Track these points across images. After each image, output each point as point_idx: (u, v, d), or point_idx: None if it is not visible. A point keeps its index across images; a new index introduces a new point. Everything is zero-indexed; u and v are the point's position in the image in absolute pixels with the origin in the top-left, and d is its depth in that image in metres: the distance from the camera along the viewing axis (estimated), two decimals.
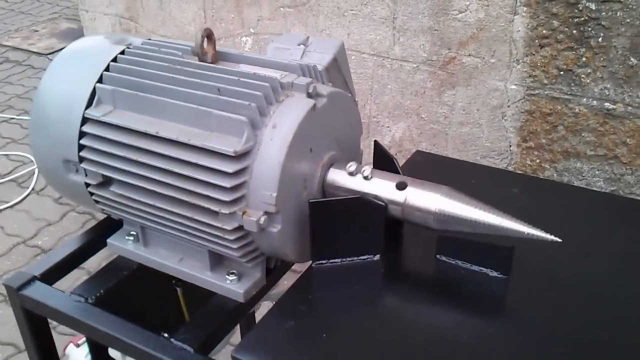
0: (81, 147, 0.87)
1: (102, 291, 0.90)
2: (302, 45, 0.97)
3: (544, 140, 1.81)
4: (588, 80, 1.69)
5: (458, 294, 0.79)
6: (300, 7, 2.06)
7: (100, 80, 0.88)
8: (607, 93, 1.67)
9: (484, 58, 1.81)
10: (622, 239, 0.91)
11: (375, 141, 0.94)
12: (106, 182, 0.88)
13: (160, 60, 0.88)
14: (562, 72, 1.72)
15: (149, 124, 0.82)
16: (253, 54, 0.94)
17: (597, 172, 1.79)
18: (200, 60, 0.87)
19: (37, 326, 0.95)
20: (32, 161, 2.98)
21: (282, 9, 2.09)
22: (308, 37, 1.01)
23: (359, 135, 0.94)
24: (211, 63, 0.88)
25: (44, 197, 2.82)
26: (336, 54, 0.97)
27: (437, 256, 0.82)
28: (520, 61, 1.76)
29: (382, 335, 0.74)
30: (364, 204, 0.78)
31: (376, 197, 0.79)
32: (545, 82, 1.75)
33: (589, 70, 1.67)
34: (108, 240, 0.96)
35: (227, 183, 0.76)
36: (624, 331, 0.74)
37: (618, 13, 1.57)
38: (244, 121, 0.76)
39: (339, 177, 0.83)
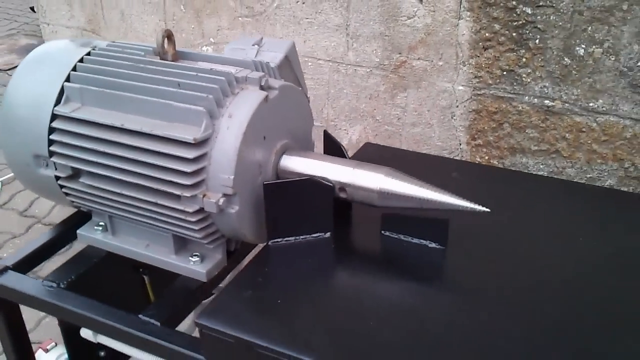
0: (51, 142, 0.94)
1: (72, 277, 0.96)
2: (256, 46, 1.05)
3: (491, 138, 1.93)
4: (529, 80, 1.81)
5: (401, 264, 0.87)
6: (257, 16, 2.14)
7: (68, 80, 0.95)
8: (546, 91, 1.80)
9: (432, 61, 1.92)
10: (556, 215, 1.00)
11: (325, 131, 1.02)
12: (75, 174, 0.95)
13: (124, 60, 0.95)
14: (505, 73, 1.83)
15: (114, 118, 0.89)
16: (211, 53, 1.01)
17: (541, 166, 1.91)
18: (161, 59, 0.95)
19: (9, 315, 1.00)
20: None
21: (240, 18, 2.18)
22: (262, 37, 1.09)
23: (310, 127, 1.02)
24: (172, 61, 0.95)
25: (8, 210, 2.83)
26: (288, 52, 1.06)
27: (382, 232, 0.91)
28: (466, 63, 1.87)
29: (333, 301, 0.82)
30: (313, 184, 0.86)
31: (324, 178, 0.87)
32: (490, 82, 1.86)
33: (529, 70, 1.79)
34: (78, 232, 1.02)
35: (188, 168, 0.83)
36: (550, 296, 0.83)
37: (551, 17, 1.70)
38: (202, 111, 0.83)
39: (290, 162, 0.91)
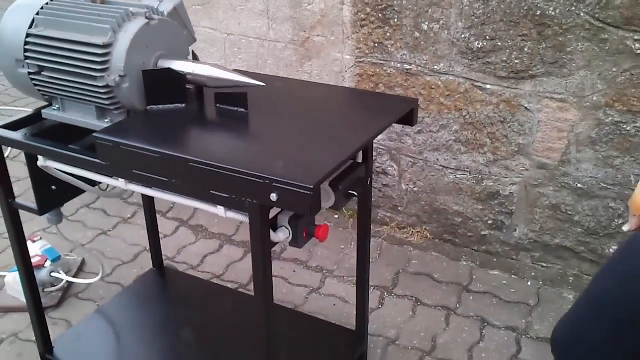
0: (25, 51, 1.58)
1: (36, 131, 1.61)
2: (158, 0, 1.69)
3: None
4: (392, 50, 2.44)
5: (227, 118, 1.49)
6: (206, 4, 2.81)
7: (37, 14, 1.59)
8: (405, 57, 2.42)
9: (326, 37, 2.56)
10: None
11: (191, 50, 1.66)
12: (40, 70, 1.58)
13: (69, 3, 1.60)
14: (376, 44, 2.47)
15: (60, 34, 1.52)
16: (127, 0, 1.65)
17: None
18: (92, 2, 1.59)
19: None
20: None
21: (194, 7, 2.84)
22: None
23: (185, 47, 1.65)
24: (100, 3, 1.60)
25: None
26: (177, 5, 1.69)
27: (216, 105, 1.53)
28: (350, 38, 2.51)
29: (184, 134, 1.44)
30: (170, 72, 1.50)
31: (179, 70, 1.51)
32: (367, 52, 2.49)
33: (392, 42, 2.42)
34: (42, 111, 1.66)
35: (99, 59, 1.46)
36: (328, 126, 1.43)
37: (404, 2, 2.32)
38: (108, 28, 1.46)
39: (163, 63, 1.54)
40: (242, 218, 1.32)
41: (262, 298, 1.33)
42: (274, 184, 1.16)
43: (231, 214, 1.34)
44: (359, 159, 1.56)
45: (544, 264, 2.42)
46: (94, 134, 1.40)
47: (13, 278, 2.30)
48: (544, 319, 2.25)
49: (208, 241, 2.77)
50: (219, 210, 1.34)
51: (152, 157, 1.30)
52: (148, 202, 2.23)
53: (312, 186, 1.12)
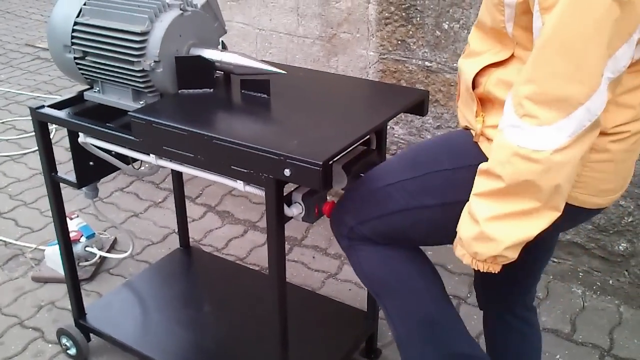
0: (72, 37, 1.73)
1: (78, 111, 1.76)
2: None
3: None
4: (414, 47, 2.54)
5: (250, 103, 1.61)
6: (240, 1, 2.95)
7: (84, 5, 1.75)
8: (427, 55, 2.52)
9: (352, 34, 2.68)
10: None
11: (221, 41, 1.79)
12: (84, 56, 1.73)
13: None
14: (399, 42, 2.57)
15: (106, 22, 1.67)
16: None
17: (429, 113, 2.62)
18: None
19: (43, 129, 1.80)
20: None
21: (228, 3, 2.98)
22: None
23: (216, 39, 1.78)
24: None
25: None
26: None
27: (242, 91, 1.66)
28: (374, 35, 2.62)
29: (217, 115, 1.57)
30: (200, 59, 1.63)
31: (208, 58, 1.64)
32: (390, 49, 2.60)
33: (414, 40, 2.53)
34: (85, 93, 1.82)
35: (137, 45, 1.60)
36: (342, 113, 1.55)
37: (426, 2, 2.43)
38: (145, 17, 1.61)
39: (195, 51, 1.67)
40: (260, 193, 1.44)
41: (275, 267, 1.45)
42: (287, 160, 1.28)
43: (250, 189, 1.47)
44: (373, 146, 1.67)
45: (555, 260, 2.49)
46: (129, 113, 1.54)
47: (52, 251, 2.47)
48: (552, 311, 2.33)
49: (233, 226, 2.91)
50: (239, 184, 1.46)
51: (180, 135, 1.43)
52: (178, 187, 2.37)
53: (321, 162, 1.24)
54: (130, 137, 1.57)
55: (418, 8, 2.44)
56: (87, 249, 2.50)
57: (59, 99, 1.83)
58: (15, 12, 6.85)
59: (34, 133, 1.83)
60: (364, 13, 2.59)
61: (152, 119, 1.49)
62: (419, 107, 1.62)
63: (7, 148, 3.70)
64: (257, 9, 2.90)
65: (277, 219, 1.40)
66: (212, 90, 1.67)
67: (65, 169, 1.99)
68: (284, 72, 1.58)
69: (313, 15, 2.74)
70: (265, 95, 1.62)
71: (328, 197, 1.54)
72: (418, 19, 2.46)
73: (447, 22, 2.40)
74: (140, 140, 1.53)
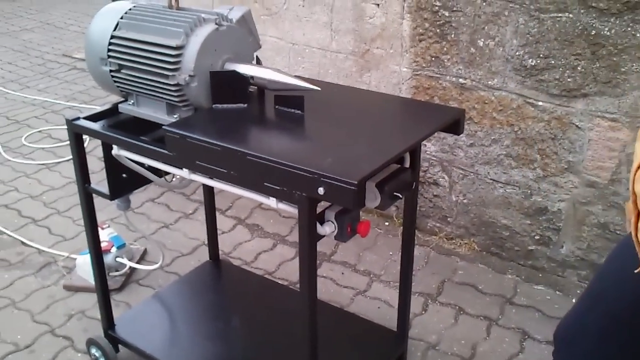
0: (109, 50, 1.75)
1: (112, 123, 1.78)
2: (228, 9, 1.83)
3: None
4: (448, 64, 2.51)
5: (284, 119, 1.61)
6: (273, 15, 2.96)
7: (121, 19, 1.76)
8: (461, 72, 2.50)
9: (386, 49, 2.66)
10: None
11: (256, 56, 1.79)
12: (120, 69, 1.75)
13: (149, 9, 1.77)
14: (433, 59, 2.55)
15: (140, 36, 1.69)
16: (200, 8, 1.80)
17: None
18: (169, 8, 1.76)
19: (78, 141, 1.82)
20: None
21: (262, 17, 3.00)
22: (233, 7, 1.88)
23: (251, 53, 1.79)
24: (175, 10, 1.76)
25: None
26: (244, 14, 1.83)
27: (275, 106, 1.66)
28: (408, 51, 2.60)
29: (245, 130, 1.56)
30: (235, 74, 1.63)
31: (243, 73, 1.64)
32: (424, 65, 2.58)
33: (448, 57, 2.50)
34: (119, 105, 1.83)
35: (172, 59, 1.61)
36: (377, 130, 1.53)
37: (461, 19, 2.41)
38: (181, 32, 1.61)
39: (229, 66, 1.68)
40: (292, 210, 1.43)
41: (306, 285, 1.44)
42: (321, 178, 1.26)
43: (282, 206, 1.46)
44: (407, 164, 1.65)
45: None
46: (163, 127, 1.54)
47: (83, 260, 2.49)
48: None
49: (263, 240, 2.90)
50: (272, 201, 1.45)
51: (214, 150, 1.43)
52: (209, 199, 2.37)
53: (356, 182, 1.22)
54: (164, 151, 1.57)
55: (453, 25, 2.42)
56: (117, 259, 2.52)
57: (94, 109, 1.85)
58: (55, 24, 7.01)
59: (68, 142, 1.85)
60: (397, 29, 2.58)
61: (186, 134, 1.49)
62: (455, 125, 1.60)
63: (43, 156, 3.76)
64: (291, 23, 2.91)
65: (309, 237, 1.39)
66: (246, 105, 1.67)
67: (98, 178, 2.00)
68: (318, 88, 1.57)
69: (347, 30, 2.73)
70: (299, 112, 1.62)
71: (361, 216, 1.51)
72: (453, 35, 2.43)
73: (482, 39, 2.37)
74: (174, 155, 1.53)
